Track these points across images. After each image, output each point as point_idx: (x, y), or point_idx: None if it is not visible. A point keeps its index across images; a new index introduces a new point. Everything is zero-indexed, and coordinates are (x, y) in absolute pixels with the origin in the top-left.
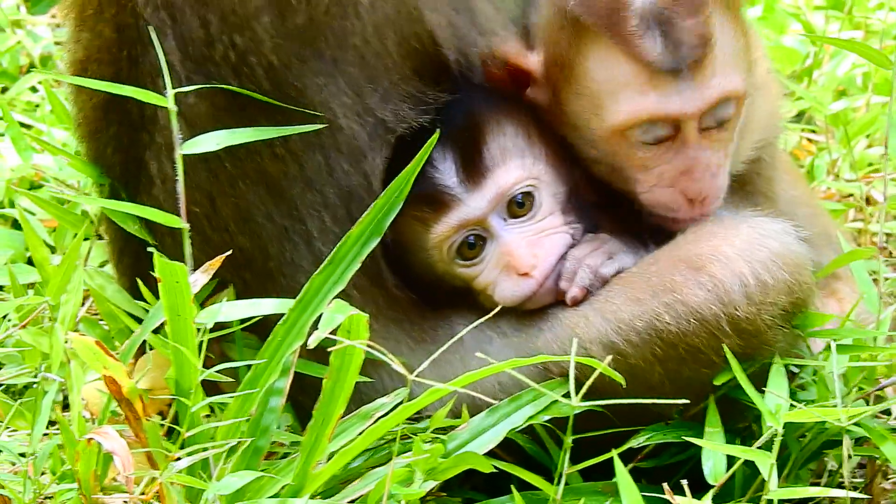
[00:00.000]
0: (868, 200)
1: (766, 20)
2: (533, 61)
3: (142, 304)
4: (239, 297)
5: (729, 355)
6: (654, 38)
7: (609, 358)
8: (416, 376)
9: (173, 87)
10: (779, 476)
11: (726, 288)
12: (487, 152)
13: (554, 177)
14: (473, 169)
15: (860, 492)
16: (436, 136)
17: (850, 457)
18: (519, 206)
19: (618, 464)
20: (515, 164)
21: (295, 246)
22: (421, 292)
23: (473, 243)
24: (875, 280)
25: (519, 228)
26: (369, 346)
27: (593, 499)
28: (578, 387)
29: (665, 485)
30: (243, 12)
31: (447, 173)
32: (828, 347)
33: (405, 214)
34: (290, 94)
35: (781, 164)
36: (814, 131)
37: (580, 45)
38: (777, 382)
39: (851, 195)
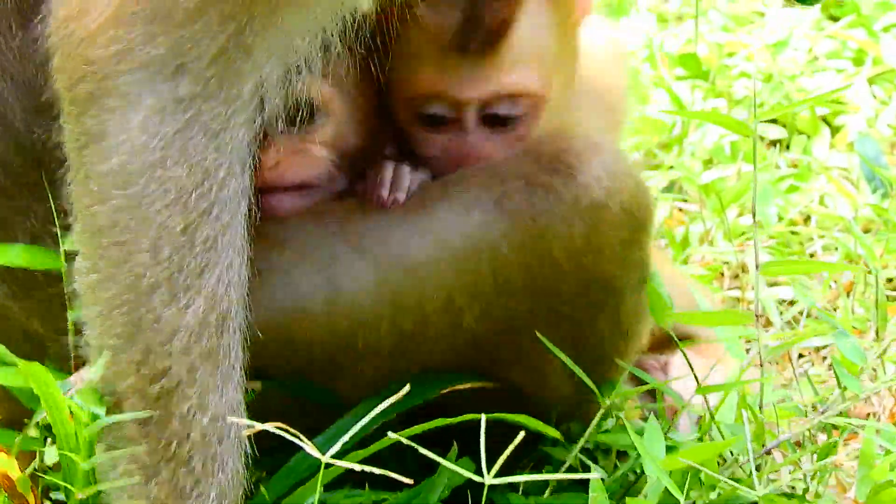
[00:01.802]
0: (743, 268)
1: (630, 91)
2: None
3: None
4: None
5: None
6: (455, 11)
7: None
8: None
9: None
10: None
11: (575, 181)
12: None
13: (350, 119)
14: None
15: None
16: None
17: None
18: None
19: None
20: None
21: None
22: None
23: None
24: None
25: (289, 134)
26: (281, 428)
27: None
28: None
29: None
30: None
31: None
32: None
33: None
34: None
35: None
36: (685, 200)
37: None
38: (653, 436)
39: (727, 263)
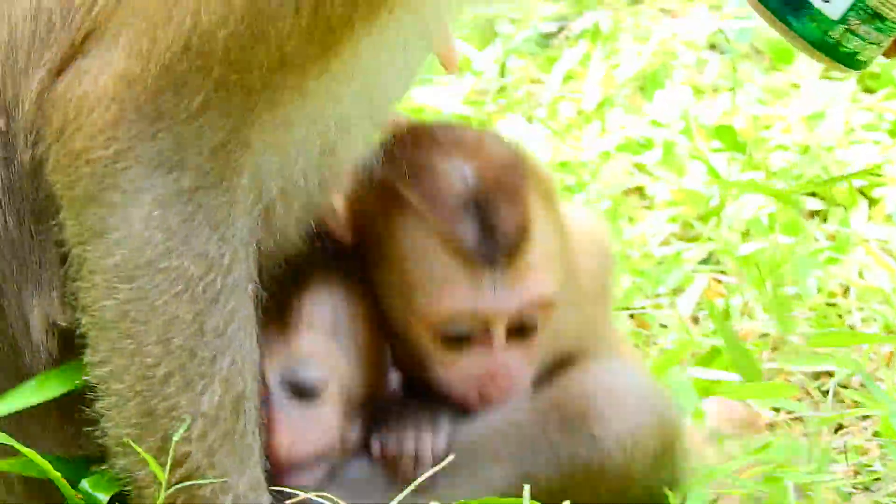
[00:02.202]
0: (783, 340)
1: (666, 163)
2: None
3: None
4: None
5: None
6: (471, 224)
7: None
8: None
9: None
10: None
11: (600, 446)
12: (293, 315)
13: (352, 367)
14: (274, 326)
15: None
16: None
17: None
18: (302, 383)
19: None
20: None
21: None
22: None
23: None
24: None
25: (293, 407)
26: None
27: None
28: None
29: None
30: None
31: None
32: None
33: None
34: None
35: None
36: (723, 272)
37: (392, 219)
38: None
39: (767, 335)
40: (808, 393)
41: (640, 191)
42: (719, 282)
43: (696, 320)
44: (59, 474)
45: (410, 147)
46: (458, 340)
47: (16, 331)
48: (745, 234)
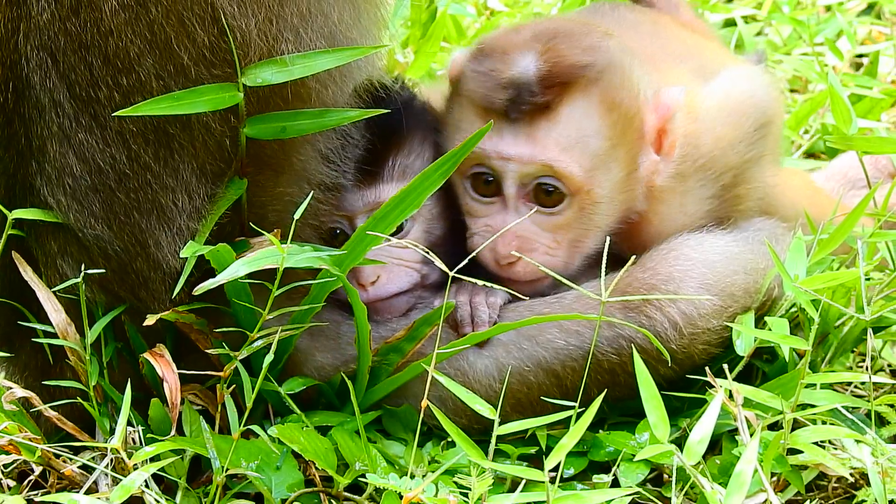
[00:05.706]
0: None
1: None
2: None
3: None
4: None
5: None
6: (500, 96)
7: None
8: None
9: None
10: (814, 367)
11: (657, 330)
12: (388, 165)
13: (434, 213)
14: (370, 173)
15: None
16: (489, 125)
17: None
18: None
19: None
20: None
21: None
22: None
23: (337, 236)
24: None
25: (378, 246)
26: None
27: None
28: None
29: (707, 368)
30: (125, 56)
31: (349, 166)
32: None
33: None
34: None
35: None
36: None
37: (452, 85)
38: (797, 255)
39: None
40: None
41: None
42: (881, 34)
43: (857, 66)
44: None
45: (496, 34)
46: (480, 189)
47: None
48: None
